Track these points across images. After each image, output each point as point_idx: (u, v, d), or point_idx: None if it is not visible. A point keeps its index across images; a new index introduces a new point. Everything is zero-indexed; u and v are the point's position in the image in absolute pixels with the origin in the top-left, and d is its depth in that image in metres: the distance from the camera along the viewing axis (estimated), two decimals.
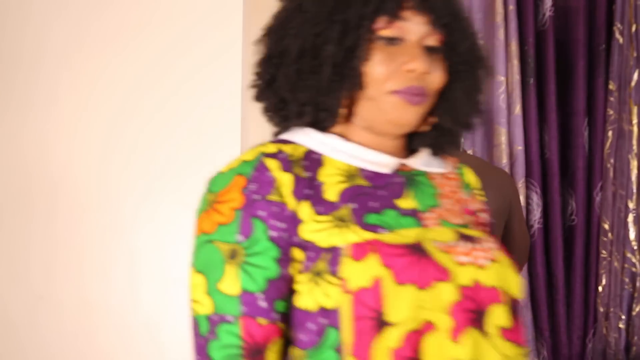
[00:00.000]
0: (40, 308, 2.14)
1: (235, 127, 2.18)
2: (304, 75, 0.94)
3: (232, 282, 0.89)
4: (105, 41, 2.21)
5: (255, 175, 0.91)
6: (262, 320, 0.89)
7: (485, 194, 1.82)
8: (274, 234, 0.89)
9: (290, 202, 0.90)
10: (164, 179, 2.17)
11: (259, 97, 1.01)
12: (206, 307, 0.90)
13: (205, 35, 2.20)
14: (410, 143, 1.03)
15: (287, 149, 0.95)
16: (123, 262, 2.15)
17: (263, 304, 0.89)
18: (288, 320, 0.91)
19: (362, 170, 0.96)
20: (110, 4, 2.23)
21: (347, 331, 0.86)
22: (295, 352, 0.91)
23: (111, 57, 2.21)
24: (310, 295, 0.89)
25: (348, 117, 0.97)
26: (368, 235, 0.89)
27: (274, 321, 0.90)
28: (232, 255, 0.89)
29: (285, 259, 0.89)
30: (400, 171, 0.99)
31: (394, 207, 0.94)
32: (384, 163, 0.97)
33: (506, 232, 1.88)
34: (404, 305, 0.85)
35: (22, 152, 2.19)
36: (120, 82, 2.20)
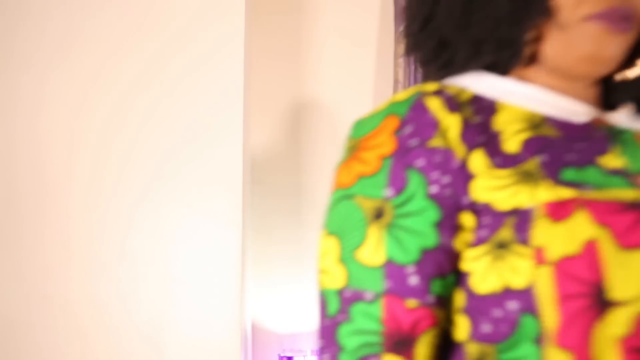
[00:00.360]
0: (41, 308, 2.11)
1: (237, 124, 2.16)
2: (474, 3, 0.75)
3: (374, 249, 0.69)
4: (104, 36, 2.19)
5: (411, 116, 0.71)
6: (412, 302, 0.68)
7: None
8: (435, 190, 0.68)
9: (459, 150, 0.69)
10: (163, 177, 2.15)
11: (413, 45, 0.82)
12: (337, 280, 0.70)
13: (205, 31, 2.19)
14: (607, 98, 0.82)
15: (450, 90, 0.74)
16: (122, 261, 2.12)
17: (415, 280, 0.68)
18: (447, 306, 0.71)
19: (549, 119, 0.75)
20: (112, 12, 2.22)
21: (550, 316, 0.65)
22: (473, 347, 0.69)
23: (110, 53, 2.19)
24: (491, 273, 0.68)
25: (529, 59, 0.77)
26: (568, 192, 0.67)
27: (428, 305, 0.69)
28: (378, 214, 0.70)
29: (448, 225, 0.69)
30: (597, 127, 0.77)
31: (597, 165, 0.72)
32: (578, 111, 0.76)
33: None
34: (634, 276, 0.64)
35: (21, 152, 2.17)
36: (119, 79, 2.19)
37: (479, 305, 0.68)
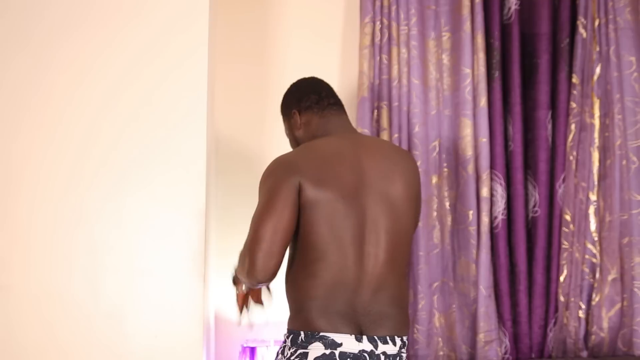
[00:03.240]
0: (1, 299, 2.11)
1: (201, 114, 2.16)
2: None
3: None
4: (77, 40, 2.18)
5: None
6: None
7: (406, 177, 1.79)
8: None
9: None
10: (127, 168, 2.14)
11: None
12: None
13: (170, 23, 2.18)
14: None
15: None
16: (85, 251, 2.12)
17: None
18: None
19: None
20: (82, 10, 2.20)
21: None
22: None
23: (79, 55, 2.18)
24: None
25: None
26: None
27: None
28: None
29: None
30: None
31: None
32: None
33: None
34: None
35: None
36: (85, 77, 2.17)
37: None
